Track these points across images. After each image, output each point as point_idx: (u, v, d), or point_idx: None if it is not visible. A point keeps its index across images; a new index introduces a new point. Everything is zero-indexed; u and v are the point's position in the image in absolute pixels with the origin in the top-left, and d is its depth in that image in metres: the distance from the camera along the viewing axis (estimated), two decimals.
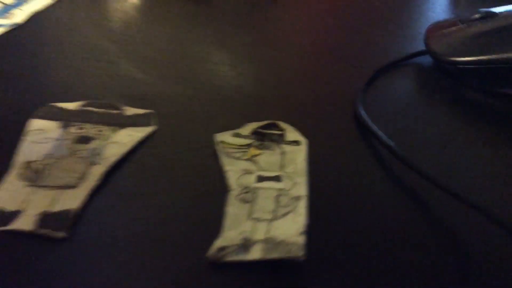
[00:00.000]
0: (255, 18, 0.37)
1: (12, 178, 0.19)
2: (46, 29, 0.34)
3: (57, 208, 0.18)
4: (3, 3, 0.37)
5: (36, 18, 0.35)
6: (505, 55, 0.28)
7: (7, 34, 0.33)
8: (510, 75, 0.28)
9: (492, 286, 0.16)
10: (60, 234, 0.17)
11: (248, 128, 0.24)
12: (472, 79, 0.29)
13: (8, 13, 0.35)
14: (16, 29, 0.33)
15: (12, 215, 0.18)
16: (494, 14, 0.30)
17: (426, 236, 0.18)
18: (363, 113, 0.25)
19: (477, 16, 0.30)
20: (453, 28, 0.31)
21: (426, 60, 0.32)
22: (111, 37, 0.33)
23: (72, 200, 0.18)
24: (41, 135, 0.22)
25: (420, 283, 0.16)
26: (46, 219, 0.18)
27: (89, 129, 0.23)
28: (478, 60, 0.29)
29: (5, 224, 0.17)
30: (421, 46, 0.32)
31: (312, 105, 0.26)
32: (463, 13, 0.32)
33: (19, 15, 0.35)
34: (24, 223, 0.17)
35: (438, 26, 0.33)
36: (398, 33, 0.36)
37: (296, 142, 0.23)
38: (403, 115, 0.26)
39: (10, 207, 0.18)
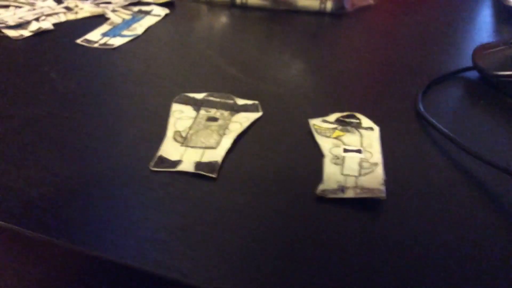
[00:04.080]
0: (326, 35, 0.45)
1: (169, 140, 0.27)
2: (160, 39, 0.42)
3: (205, 159, 0.26)
4: (123, 18, 0.46)
5: (152, 30, 0.44)
6: None
7: (130, 42, 0.41)
8: None
9: None
10: (213, 175, 0.25)
11: (332, 117, 0.31)
12: (507, 86, 0.36)
13: (130, 27, 0.44)
14: (137, 39, 0.42)
15: (176, 163, 0.26)
16: None
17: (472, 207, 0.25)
18: (422, 107, 0.32)
19: None
20: (497, 48, 0.38)
21: (473, 75, 0.39)
22: (211, 47, 0.41)
23: (215, 155, 0.26)
24: (182, 114, 0.30)
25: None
26: (200, 165, 0.25)
27: (214, 112, 0.30)
28: None
29: (174, 167, 0.25)
30: (468, 63, 0.39)
31: (379, 102, 0.33)
32: (505, 37, 0.39)
33: (139, 28, 0.44)
34: (186, 167, 0.25)
35: (484, 47, 0.39)
36: (448, 52, 0.42)
37: (370, 128, 0.30)
38: (453, 116, 0.32)
39: (173, 157, 0.26)
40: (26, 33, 0.41)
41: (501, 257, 0.21)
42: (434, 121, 0.30)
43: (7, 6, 0.46)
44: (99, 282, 0.21)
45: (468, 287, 0.19)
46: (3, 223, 0.21)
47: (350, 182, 0.25)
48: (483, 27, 0.49)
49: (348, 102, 0.33)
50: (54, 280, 0.22)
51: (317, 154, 0.27)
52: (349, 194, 0.24)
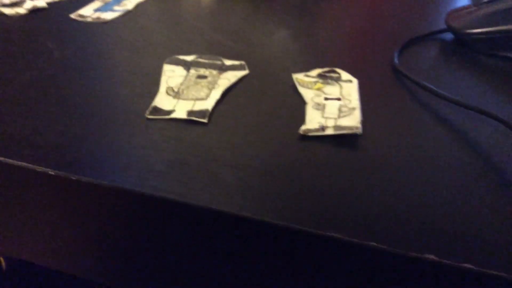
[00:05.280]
0: (310, 8, 0.47)
1: (162, 94, 0.30)
2: (150, 13, 0.44)
3: (197, 108, 0.28)
4: None
5: (141, 6, 0.46)
6: (507, 27, 0.37)
7: (121, 17, 0.43)
8: (508, 42, 0.37)
9: None
10: (204, 120, 0.27)
11: (314, 72, 0.33)
12: (483, 46, 0.38)
13: (120, 3, 0.46)
14: (128, 14, 0.44)
15: (170, 112, 0.28)
16: None
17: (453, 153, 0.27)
18: (398, 62, 0.34)
19: (486, 0, 0.39)
20: (468, 10, 0.40)
21: (447, 36, 0.41)
22: (200, 19, 0.43)
23: (205, 105, 0.28)
24: (173, 73, 0.32)
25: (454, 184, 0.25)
26: (192, 113, 0.28)
27: (203, 71, 0.33)
28: (488, 31, 0.38)
29: (168, 115, 0.27)
30: (443, 26, 0.42)
31: (359, 60, 0.36)
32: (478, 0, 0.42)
33: (129, 4, 0.46)
34: (179, 114, 0.27)
35: (457, 10, 0.42)
36: (425, 18, 0.45)
37: (350, 81, 0.32)
38: (427, 70, 0.35)
39: (166, 107, 0.28)
40: (21, 10, 0.43)
41: (475, 190, 0.23)
42: (406, 72, 0.32)
43: None
44: (104, 210, 0.23)
45: (438, 217, 0.22)
46: (14, 161, 0.23)
47: (330, 122, 0.27)
48: None
49: (329, 61, 0.36)
50: (63, 212, 0.24)
51: (300, 103, 0.30)
52: (329, 131, 0.26)
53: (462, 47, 0.39)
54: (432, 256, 0.18)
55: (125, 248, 0.25)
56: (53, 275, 0.53)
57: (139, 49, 0.37)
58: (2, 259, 0.52)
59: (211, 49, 0.37)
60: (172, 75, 0.32)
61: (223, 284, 0.24)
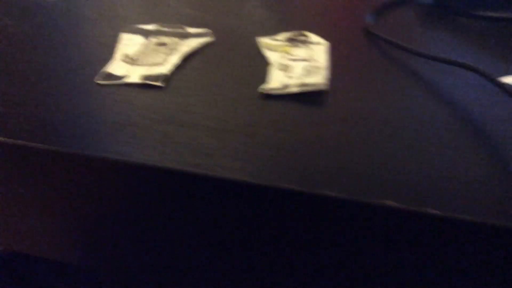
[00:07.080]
0: None
1: (117, 61, 0.28)
2: None
3: (152, 72, 0.26)
4: None
5: None
6: None
7: None
8: (486, 1, 0.35)
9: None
10: (159, 83, 0.25)
11: (282, 36, 0.31)
12: (461, 6, 0.37)
13: None
14: None
15: (122, 77, 0.26)
16: None
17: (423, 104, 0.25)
18: (370, 24, 0.32)
19: None
20: None
21: (424, 1, 0.40)
22: None
23: (162, 69, 0.27)
24: (130, 41, 0.30)
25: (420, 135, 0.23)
26: (148, 77, 0.26)
27: (164, 39, 0.31)
28: None
29: (120, 79, 0.25)
30: None
31: (331, 25, 0.34)
32: None
33: None
34: (133, 79, 0.26)
35: None
36: None
37: (319, 43, 0.30)
38: (404, 34, 0.33)
39: (119, 73, 0.26)
40: None
41: (435, 128, 0.22)
42: (378, 33, 0.31)
43: None
44: (53, 175, 0.22)
45: (402, 152, 0.20)
46: None
47: (295, 81, 0.25)
48: None
49: (300, 27, 0.34)
50: (18, 183, 0.22)
51: (264, 66, 0.28)
52: (292, 90, 0.24)
53: (440, 9, 0.37)
54: (391, 202, 0.17)
55: (83, 215, 0.23)
56: (46, 266, 0.51)
57: (97, 21, 0.35)
58: None
59: (176, 20, 0.35)
60: (129, 43, 0.30)
61: (179, 245, 0.22)
